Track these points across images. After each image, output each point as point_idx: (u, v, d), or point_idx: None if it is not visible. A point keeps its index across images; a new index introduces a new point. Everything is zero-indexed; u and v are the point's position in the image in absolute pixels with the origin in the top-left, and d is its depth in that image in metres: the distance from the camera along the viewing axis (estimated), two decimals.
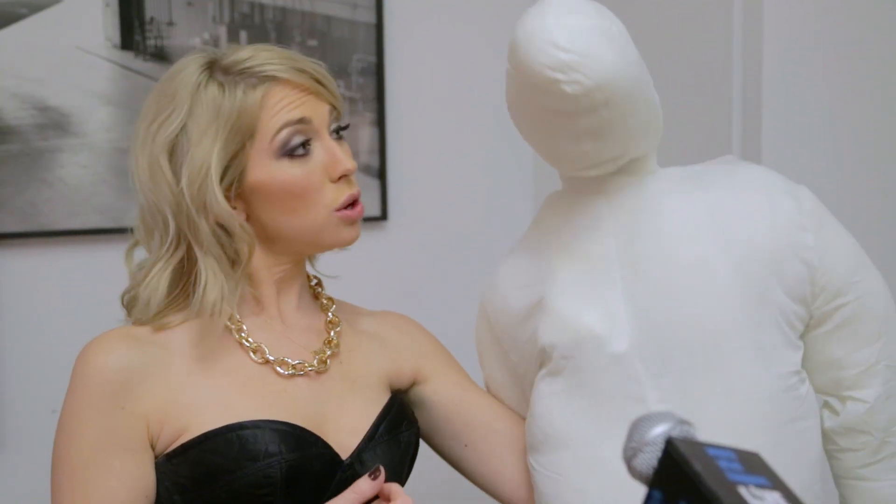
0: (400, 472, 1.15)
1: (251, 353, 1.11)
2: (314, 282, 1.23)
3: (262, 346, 1.11)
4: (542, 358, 1.16)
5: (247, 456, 1.04)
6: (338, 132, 1.14)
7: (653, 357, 1.09)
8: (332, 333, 1.17)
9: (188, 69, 1.10)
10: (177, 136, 1.07)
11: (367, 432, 1.12)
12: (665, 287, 1.10)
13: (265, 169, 1.08)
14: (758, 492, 0.60)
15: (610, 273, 1.12)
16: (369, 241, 1.96)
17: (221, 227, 1.08)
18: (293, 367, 1.12)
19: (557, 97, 1.00)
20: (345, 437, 1.11)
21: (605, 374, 1.11)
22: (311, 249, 1.16)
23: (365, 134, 1.95)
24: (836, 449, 1.16)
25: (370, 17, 1.94)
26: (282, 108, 1.09)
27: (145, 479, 1.06)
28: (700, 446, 0.64)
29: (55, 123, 1.69)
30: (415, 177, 2.01)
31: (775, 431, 1.08)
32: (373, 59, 1.94)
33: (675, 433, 0.69)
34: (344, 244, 1.14)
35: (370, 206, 1.96)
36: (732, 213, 1.11)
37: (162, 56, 1.75)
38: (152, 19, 1.77)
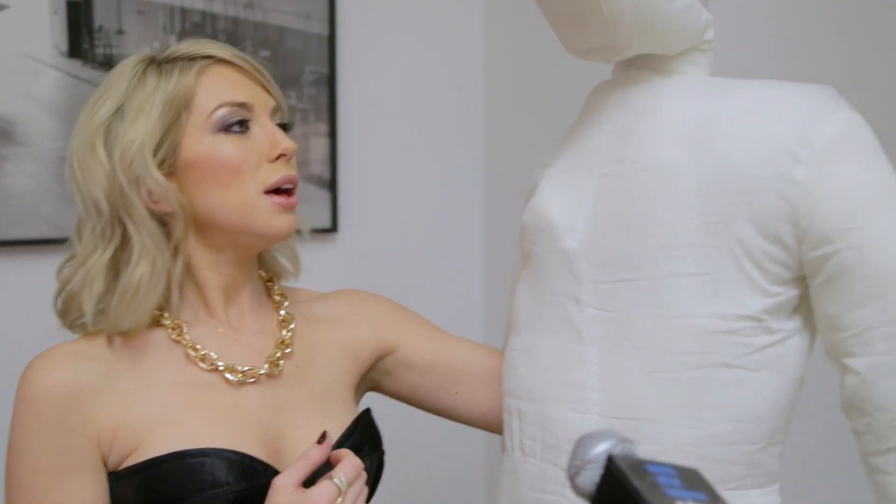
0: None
1: (199, 362, 1.09)
2: (267, 279, 1.21)
3: (210, 353, 1.09)
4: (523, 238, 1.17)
5: (193, 485, 1.02)
6: (285, 129, 1.13)
7: (598, 260, 1.06)
8: (284, 332, 1.15)
9: (128, 63, 1.11)
10: (112, 116, 1.07)
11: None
12: (630, 190, 1.04)
13: (201, 143, 1.07)
14: None
15: (592, 167, 1.09)
16: (320, 253, 1.97)
17: (156, 212, 1.07)
18: (243, 373, 1.10)
19: None
20: (301, 452, 1.08)
21: (554, 268, 1.10)
22: (247, 238, 1.11)
23: (316, 145, 1.95)
24: (852, 430, 1.03)
25: (323, 29, 1.94)
26: (223, 87, 1.08)
27: (103, 496, 1.05)
28: (640, 463, 0.65)
29: (0, 131, 1.67)
30: (366, 189, 2.02)
31: (699, 371, 1.00)
32: (325, 70, 1.94)
33: (617, 451, 0.70)
34: (278, 233, 1.10)
35: (321, 218, 1.96)
36: (721, 125, 1.01)
37: (110, 64, 1.71)
38: (101, 27, 1.75)
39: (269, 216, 1.09)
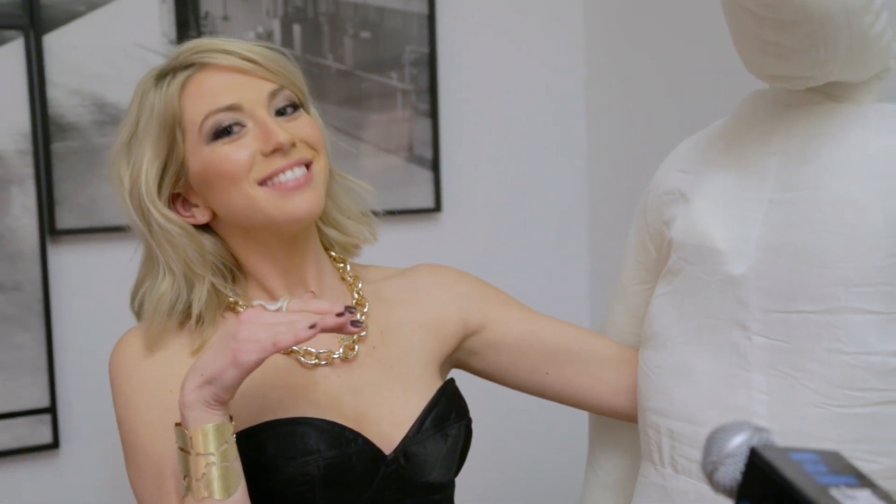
0: (450, 466, 1.14)
1: None
2: (341, 264, 1.21)
3: None
4: (669, 250, 1.15)
5: (285, 454, 1.05)
6: (293, 108, 1.11)
7: (769, 289, 1.04)
8: (358, 316, 1.16)
9: (143, 78, 1.13)
10: (129, 141, 1.11)
11: (413, 425, 1.11)
12: (807, 220, 1.02)
13: (201, 156, 1.09)
14: (849, 492, 0.59)
15: (760, 192, 1.07)
16: (423, 233, 1.97)
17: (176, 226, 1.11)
18: (317, 356, 1.11)
19: None
20: (386, 427, 1.10)
21: (716, 292, 1.08)
22: (274, 226, 1.10)
23: (418, 125, 1.95)
24: None
25: (422, 8, 1.93)
26: (206, 96, 1.08)
27: None
28: (783, 452, 0.62)
29: (114, 120, 1.70)
30: (469, 168, 2.01)
31: (878, 406, 0.99)
32: (425, 50, 1.94)
33: (755, 442, 0.67)
34: (294, 216, 1.09)
35: (424, 198, 1.96)
36: None
37: None
38: (207, 14, 1.78)
39: (276, 202, 1.08)
